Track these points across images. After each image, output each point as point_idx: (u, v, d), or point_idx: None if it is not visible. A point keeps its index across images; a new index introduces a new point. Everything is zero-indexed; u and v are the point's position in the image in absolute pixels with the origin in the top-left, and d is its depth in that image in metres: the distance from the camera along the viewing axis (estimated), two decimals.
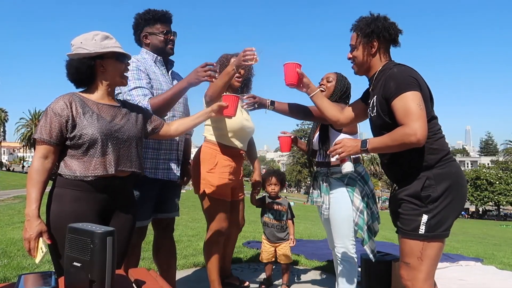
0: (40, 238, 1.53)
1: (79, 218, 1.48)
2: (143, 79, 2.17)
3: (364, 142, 1.74)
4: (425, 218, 1.64)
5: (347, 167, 1.86)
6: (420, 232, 1.65)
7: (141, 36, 2.36)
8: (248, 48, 2.10)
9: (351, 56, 1.89)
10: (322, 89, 2.51)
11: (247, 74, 2.74)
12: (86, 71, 1.66)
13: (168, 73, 2.42)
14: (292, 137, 2.66)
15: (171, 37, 2.36)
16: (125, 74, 1.78)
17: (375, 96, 1.78)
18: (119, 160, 1.68)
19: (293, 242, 3.14)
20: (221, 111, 2.03)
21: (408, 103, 1.61)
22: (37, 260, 1.51)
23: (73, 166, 1.61)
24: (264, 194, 3.24)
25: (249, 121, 2.76)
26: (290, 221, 3.17)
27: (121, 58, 1.74)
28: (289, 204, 3.21)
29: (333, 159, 2.38)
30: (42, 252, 1.50)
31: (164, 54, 2.38)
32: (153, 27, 2.32)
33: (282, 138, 2.63)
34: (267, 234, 3.14)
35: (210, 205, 2.55)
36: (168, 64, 2.44)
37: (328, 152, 1.85)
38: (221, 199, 2.54)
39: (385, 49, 1.86)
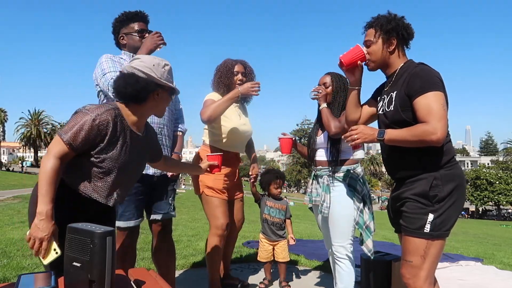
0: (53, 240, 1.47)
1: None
2: (118, 67, 2.17)
3: (381, 132, 1.73)
4: (431, 217, 1.67)
5: (359, 154, 1.86)
6: (425, 231, 1.67)
7: (119, 38, 2.38)
8: (256, 82, 2.53)
9: (366, 52, 1.87)
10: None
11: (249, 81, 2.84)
12: (145, 92, 1.65)
13: None
14: (293, 139, 2.66)
15: (145, 36, 2.33)
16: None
17: (395, 92, 1.78)
18: (122, 195, 1.75)
19: (293, 240, 3.15)
20: (211, 169, 2.31)
21: (432, 102, 1.63)
22: (47, 262, 1.45)
23: (76, 178, 1.60)
24: (264, 192, 3.25)
25: (247, 124, 2.84)
26: (288, 220, 3.21)
27: (172, 94, 1.79)
28: (287, 204, 3.24)
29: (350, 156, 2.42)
30: (56, 253, 1.44)
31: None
32: (128, 27, 2.34)
33: (283, 140, 2.64)
34: (266, 231, 3.15)
35: (209, 204, 2.73)
36: None
37: (343, 136, 1.84)
38: (218, 198, 2.70)
39: (402, 47, 1.87)
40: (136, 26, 2.33)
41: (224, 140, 2.74)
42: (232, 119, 2.73)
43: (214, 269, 2.74)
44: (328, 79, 2.54)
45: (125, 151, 1.65)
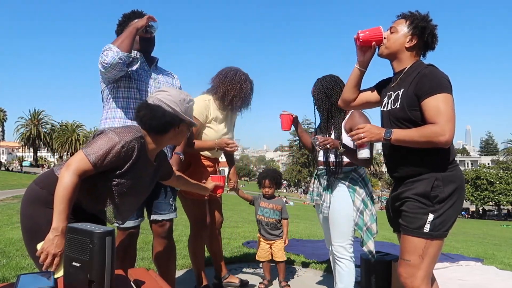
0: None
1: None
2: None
3: (388, 132, 1.71)
4: (431, 217, 1.68)
5: (365, 153, 1.84)
6: (424, 231, 1.68)
7: None
8: (232, 142, 2.67)
9: (385, 36, 1.84)
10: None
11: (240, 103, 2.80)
12: (170, 126, 1.69)
13: (150, 68, 2.40)
14: (294, 116, 2.61)
15: (149, 35, 2.33)
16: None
17: (402, 90, 1.78)
18: (126, 216, 1.79)
19: (285, 242, 3.10)
20: (215, 190, 2.40)
21: (441, 104, 1.63)
22: (59, 275, 1.43)
23: (83, 195, 1.59)
24: (259, 193, 3.25)
25: (229, 134, 2.89)
26: (285, 221, 3.15)
27: (191, 126, 1.82)
28: (284, 204, 3.18)
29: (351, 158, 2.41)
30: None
31: (142, 49, 2.36)
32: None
33: (284, 116, 2.59)
34: (261, 232, 3.16)
35: (186, 204, 2.85)
36: (150, 61, 2.43)
37: (349, 135, 1.83)
38: (195, 198, 2.77)
39: (419, 51, 1.86)
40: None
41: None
42: (215, 128, 2.78)
43: (198, 264, 2.91)
44: (312, 91, 2.56)
45: (138, 178, 1.67)
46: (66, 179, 1.45)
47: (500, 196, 42.80)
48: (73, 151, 62.15)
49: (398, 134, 1.70)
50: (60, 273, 1.42)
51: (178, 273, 3.41)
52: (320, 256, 4.17)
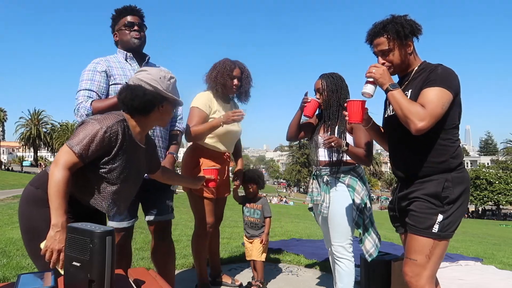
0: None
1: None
2: (96, 81, 2.16)
3: (393, 85, 1.72)
4: (440, 217, 1.70)
5: (369, 89, 1.82)
6: (433, 231, 1.69)
7: (114, 37, 2.36)
8: (237, 110, 2.50)
9: (384, 61, 1.84)
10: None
11: (245, 86, 2.82)
12: (152, 105, 1.66)
13: (141, 66, 2.35)
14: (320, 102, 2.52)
15: (135, 28, 2.30)
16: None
17: (410, 91, 1.78)
18: (123, 205, 1.76)
19: (262, 241, 3.06)
20: (207, 183, 2.34)
21: (437, 97, 1.64)
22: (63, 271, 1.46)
23: (76, 187, 1.58)
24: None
25: (236, 125, 2.80)
26: (267, 219, 3.13)
27: (175, 105, 1.79)
28: (265, 203, 3.16)
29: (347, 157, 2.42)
30: None
31: (132, 47, 2.32)
32: (119, 23, 2.32)
33: (314, 101, 2.44)
34: (244, 231, 3.21)
35: (195, 202, 2.80)
36: (141, 59, 2.39)
37: (369, 67, 1.81)
38: (202, 196, 2.74)
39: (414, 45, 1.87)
40: (124, 20, 2.30)
41: (213, 140, 2.76)
42: None
43: (201, 262, 2.90)
44: (320, 82, 2.51)
45: (128, 162, 1.66)
46: (56, 175, 1.46)
47: (500, 196, 42.82)
48: None
49: (397, 92, 1.70)
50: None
51: (178, 272, 3.41)
52: (320, 256, 4.17)
